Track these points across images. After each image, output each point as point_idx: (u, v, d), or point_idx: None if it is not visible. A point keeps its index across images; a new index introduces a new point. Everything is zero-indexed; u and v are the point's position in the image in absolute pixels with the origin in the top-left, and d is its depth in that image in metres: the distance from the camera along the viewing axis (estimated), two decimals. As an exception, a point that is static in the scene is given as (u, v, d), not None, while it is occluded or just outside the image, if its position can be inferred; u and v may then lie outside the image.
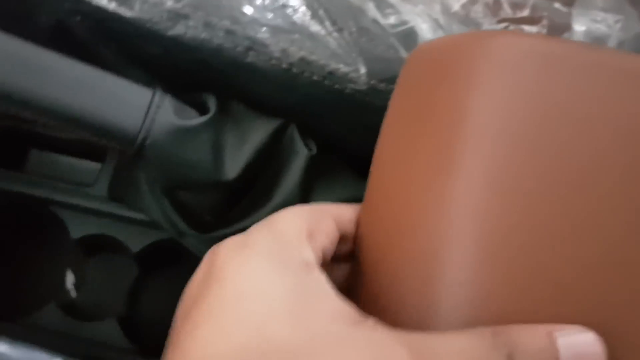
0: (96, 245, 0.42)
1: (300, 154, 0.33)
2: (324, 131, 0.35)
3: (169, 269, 0.43)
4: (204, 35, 0.31)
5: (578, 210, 0.21)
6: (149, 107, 0.30)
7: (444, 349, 0.17)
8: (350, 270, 0.24)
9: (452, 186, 0.21)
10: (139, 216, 0.39)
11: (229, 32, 0.32)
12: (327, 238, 0.21)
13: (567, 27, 0.35)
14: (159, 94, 0.31)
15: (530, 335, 0.17)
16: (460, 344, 0.17)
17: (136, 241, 0.40)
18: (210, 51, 0.32)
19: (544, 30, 0.36)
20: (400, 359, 0.16)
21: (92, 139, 0.32)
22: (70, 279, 0.44)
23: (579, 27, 0.35)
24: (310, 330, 0.16)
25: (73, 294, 0.44)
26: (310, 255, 0.19)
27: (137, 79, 0.32)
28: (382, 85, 0.33)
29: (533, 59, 0.21)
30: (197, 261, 0.38)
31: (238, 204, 0.35)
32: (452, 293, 0.19)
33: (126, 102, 0.30)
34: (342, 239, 0.22)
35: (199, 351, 0.16)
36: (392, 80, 0.33)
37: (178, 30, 0.31)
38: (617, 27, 0.34)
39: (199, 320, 0.17)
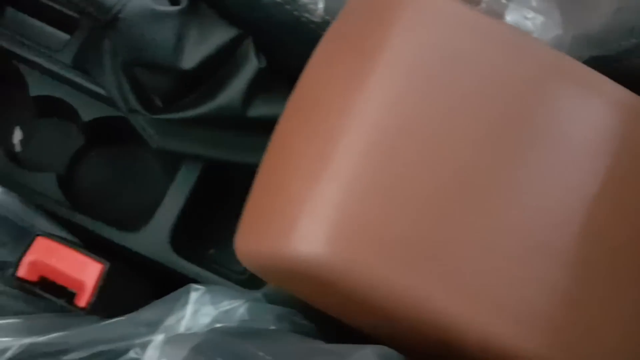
0: (50, 108, 0.45)
1: (251, 64, 0.38)
2: (274, 52, 0.40)
3: (113, 145, 0.47)
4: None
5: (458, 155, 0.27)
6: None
7: None
8: None
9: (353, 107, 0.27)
10: (99, 90, 0.42)
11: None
12: None
13: (501, 17, 0.41)
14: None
15: None
16: None
17: (89, 112, 0.43)
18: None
19: (481, 13, 0.41)
20: None
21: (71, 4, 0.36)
22: (17, 135, 0.48)
23: (510, 18, 0.41)
24: None
25: (18, 148, 0.47)
26: None
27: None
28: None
29: (447, 17, 0.27)
30: (141, 142, 0.43)
31: (186, 96, 0.40)
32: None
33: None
34: None
35: None
36: (343, 20, 0.38)
37: None
38: (540, 28, 0.39)
39: None
